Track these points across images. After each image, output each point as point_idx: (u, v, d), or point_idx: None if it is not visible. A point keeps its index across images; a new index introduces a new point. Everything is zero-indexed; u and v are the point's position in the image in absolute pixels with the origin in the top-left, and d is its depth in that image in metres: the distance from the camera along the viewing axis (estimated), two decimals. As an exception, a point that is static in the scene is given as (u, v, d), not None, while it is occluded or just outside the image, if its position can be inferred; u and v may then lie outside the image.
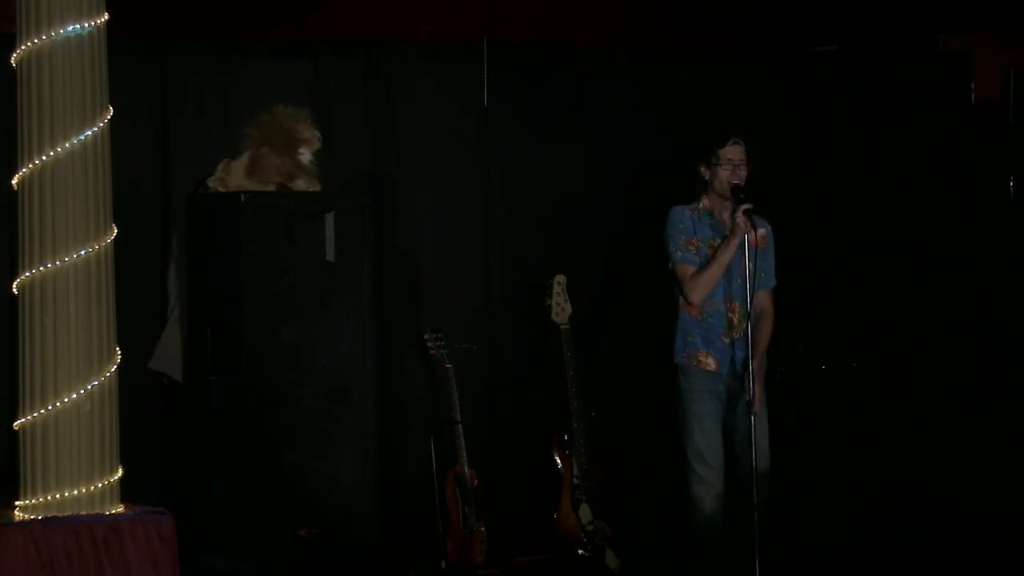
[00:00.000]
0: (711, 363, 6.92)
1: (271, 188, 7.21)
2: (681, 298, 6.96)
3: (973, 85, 9.08)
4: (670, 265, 6.97)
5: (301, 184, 7.22)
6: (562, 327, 7.63)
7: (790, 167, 8.67)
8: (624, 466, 7.99)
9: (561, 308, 7.64)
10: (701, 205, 6.97)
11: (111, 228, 5.89)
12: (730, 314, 6.91)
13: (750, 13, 8.93)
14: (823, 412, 8.47)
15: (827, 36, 9.11)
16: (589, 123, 8.43)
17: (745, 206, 6.75)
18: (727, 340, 6.91)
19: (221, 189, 7.19)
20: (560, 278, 7.68)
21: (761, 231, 6.86)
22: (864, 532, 7.97)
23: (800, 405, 8.23)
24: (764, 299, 6.95)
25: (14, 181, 5.84)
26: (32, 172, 5.75)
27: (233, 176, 7.16)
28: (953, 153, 9.04)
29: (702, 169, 6.93)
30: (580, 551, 7.53)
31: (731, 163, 6.85)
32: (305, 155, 7.23)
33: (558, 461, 7.59)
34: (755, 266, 6.75)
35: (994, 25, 9.15)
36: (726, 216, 6.93)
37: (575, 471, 7.56)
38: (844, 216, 8.84)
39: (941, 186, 9.02)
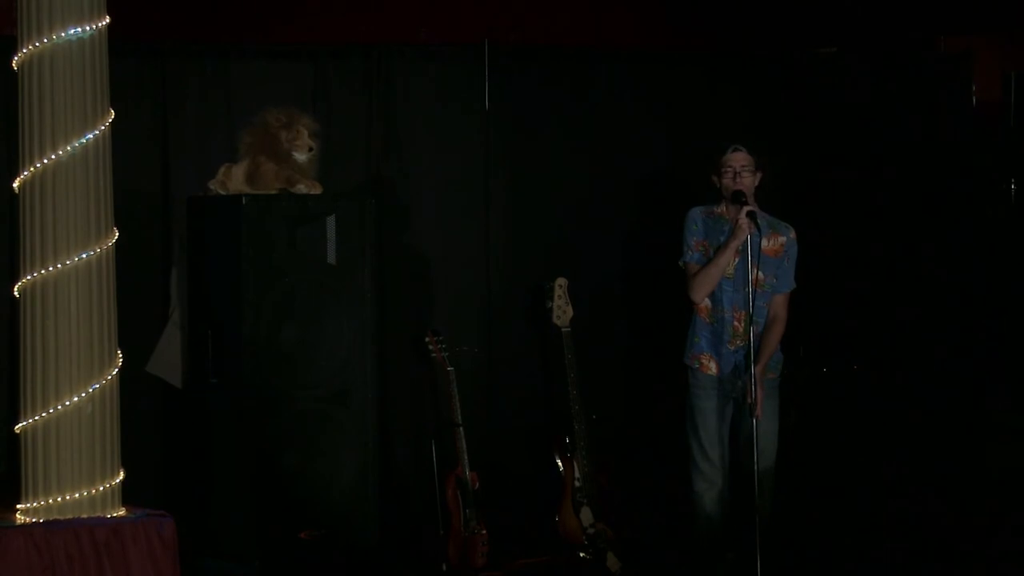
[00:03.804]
0: (712, 367, 6.96)
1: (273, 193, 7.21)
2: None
3: (974, 87, 9.07)
4: (680, 264, 7.03)
5: (302, 188, 7.21)
6: (563, 330, 7.63)
7: (790, 169, 8.66)
8: (626, 469, 7.98)
9: (562, 311, 7.64)
10: (718, 210, 7.01)
11: (112, 231, 5.88)
12: (736, 323, 6.94)
13: (751, 16, 8.93)
14: (824, 413, 8.48)
15: (827, 38, 9.10)
16: (590, 125, 8.43)
17: (747, 208, 6.77)
18: (731, 348, 6.94)
19: (222, 192, 7.19)
20: (561, 281, 7.69)
21: (781, 239, 6.93)
22: (864, 532, 7.97)
23: (800, 406, 8.23)
24: (779, 304, 6.99)
25: (15, 184, 5.83)
26: (33, 175, 5.74)
27: (234, 181, 7.14)
28: (954, 155, 9.04)
29: (713, 179, 6.99)
30: (582, 554, 7.53)
31: (732, 170, 6.89)
32: (301, 157, 7.20)
33: (560, 464, 7.59)
34: (769, 272, 6.79)
35: (995, 27, 9.15)
36: None
37: (577, 474, 7.56)
38: (845, 218, 8.84)
39: (942, 188, 9.02)
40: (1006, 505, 8.18)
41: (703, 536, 7.00)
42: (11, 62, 5.82)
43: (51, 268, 5.74)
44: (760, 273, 6.83)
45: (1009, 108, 9.03)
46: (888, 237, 8.89)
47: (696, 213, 7.03)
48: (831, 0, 9.00)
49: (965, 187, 9.04)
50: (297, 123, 7.14)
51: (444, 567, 7.46)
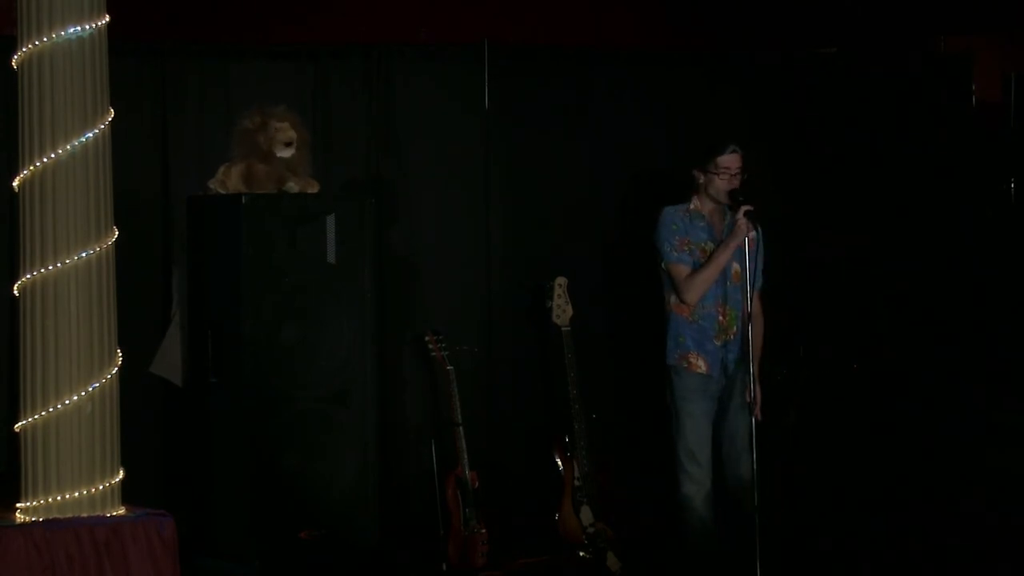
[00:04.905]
0: (702, 365, 6.94)
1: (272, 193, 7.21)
2: (672, 299, 6.98)
3: (974, 87, 9.07)
4: (663, 265, 6.99)
5: (293, 186, 7.20)
6: (563, 329, 7.63)
7: (790, 170, 8.67)
8: (625, 468, 7.98)
9: (562, 310, 7.64)
10: (692, 207, 6.99)
11: (112, 230, 5.89)
12: (720, 317, 6.93)
13: (750, 16, 8.93)
14: (823, 413, 8.48)
15: (827, 39, 9.11)
16: (590, 125, 8.43)
17: (746, 207, 6.77)
18: (718, 343, 6.93)
19: (222, 191, 7.19)
20: (561, 280, 7.68)
21: (751, 234, 6.87)
22: (864, 533, 7.96)
23: (800, 405, 8.22)
24: (754, 301, 6.95)
25: (15, 183, 5.83)
26: (33, 174, 5.74)
27: (232, 182, 7.15)
28: (954, 155, 9.04)
29: (696, 173, 6.96)
30: (581, 553, 7.53)
31: (728, 172, 6.87)
32: (284, 153, 7.19)
33: (559, 463, 7.59)
34: (754, 268, 6.77)
35: (995, 27, 9.15)
36: (717, 219, 6.96)
37: (576, 473, 7.56)
38: (845, 219, 8.84)
39: (941, 188, 9.02)
40: (1007, 506, 8.18)
41: (698, 539, 6.96)
42: (11, 61, 5.82)
43: (51, 267, 5.74)
44: (736, 265, 6.84)
45: (1009, 108, 9.03)
46: (888, 237, 8.88)
47: (673, 212, 6.97)
48: (831, 0, 9.00)
49: (965, 187, 9.04)
50: (270, 122, 7.13)
51: (444, 567, 7.46)
